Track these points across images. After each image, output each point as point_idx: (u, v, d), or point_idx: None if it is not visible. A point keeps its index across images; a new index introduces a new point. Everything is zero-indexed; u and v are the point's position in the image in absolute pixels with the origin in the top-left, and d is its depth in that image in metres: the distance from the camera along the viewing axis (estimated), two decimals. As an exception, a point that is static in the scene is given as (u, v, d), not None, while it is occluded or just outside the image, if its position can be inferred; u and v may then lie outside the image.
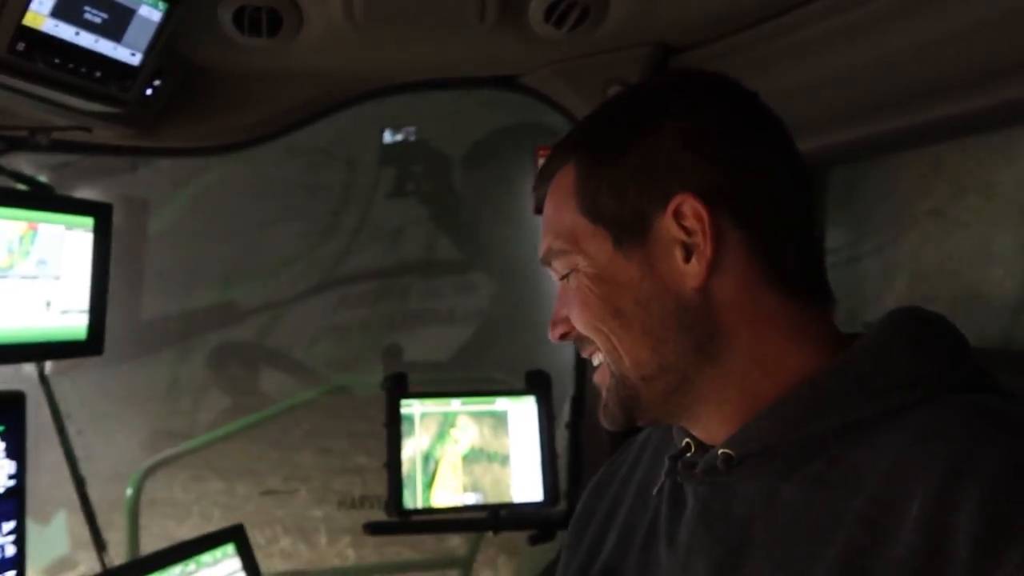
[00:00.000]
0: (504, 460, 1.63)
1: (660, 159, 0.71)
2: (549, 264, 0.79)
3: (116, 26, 1.10)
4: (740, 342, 0.70)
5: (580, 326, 0.75)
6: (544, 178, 0.80)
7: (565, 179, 0.76)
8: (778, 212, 0.72)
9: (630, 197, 0.72)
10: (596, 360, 0.77)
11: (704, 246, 0.69)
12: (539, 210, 1.86)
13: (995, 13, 1.04)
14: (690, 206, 0.69)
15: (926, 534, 0.56)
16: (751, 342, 0.70)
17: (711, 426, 0.74)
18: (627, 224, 0.72)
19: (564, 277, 0.77)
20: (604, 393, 0.77)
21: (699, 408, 0.73)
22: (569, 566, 0.89)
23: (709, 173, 0.70)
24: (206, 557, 1.36)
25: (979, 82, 1.10)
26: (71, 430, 1.70)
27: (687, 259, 0.70)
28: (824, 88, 1.27)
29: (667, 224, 0.70)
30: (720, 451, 0.71)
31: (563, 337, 0.79)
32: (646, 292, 0.71)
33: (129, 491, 2.10)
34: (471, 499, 1.60)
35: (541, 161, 1.73)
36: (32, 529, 1.33)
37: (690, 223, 0.70)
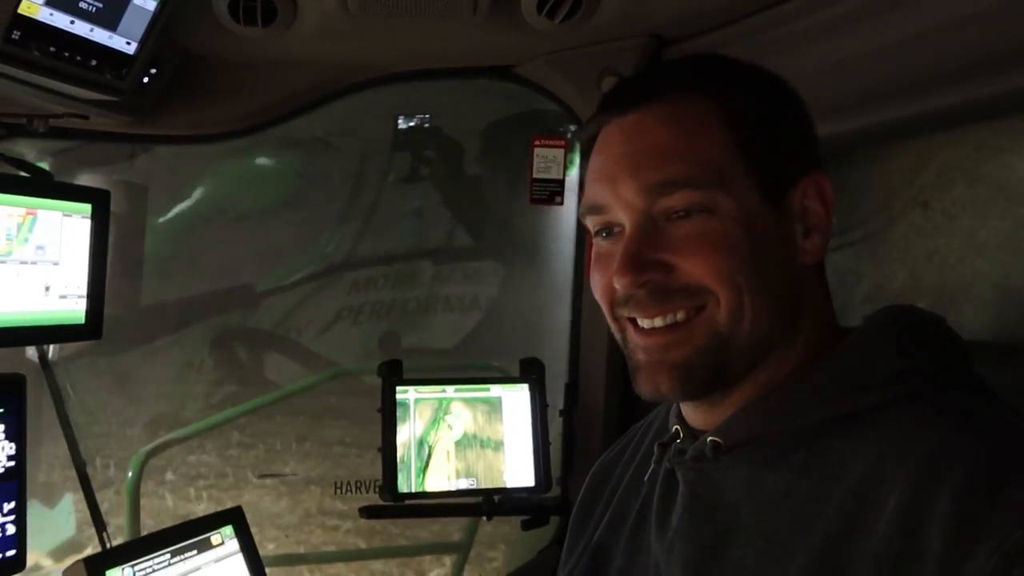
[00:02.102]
0: (497, 446, 1.65)
1: (796, 132, 0.73)
2: (666, 194, 0.68)
3: (111, 15, 1.11)
4: (805, 325, 0.72)
5: (710, 274, 0.67)
6: (651, 95, 0.71)
7: (703, 110, 0.69)
8: None
9: (778, 157, 0.71)
10: (663, 320, 0.70)
11: (827, 227, 0.71)
12: (536, 200, 1.81)
13: (981, 7, 1.05)
14: (819, 186, 0.71)
15: (902, 526, 0.58)
16: (811, 328, 0.72)
17: (729, 410, 0.73)
18: (773, 180, 0.70)
19: (675, 212, 0.68)
20: (683, 354, 0.69)
21: (743, 384, 0.72)
22: (572, 551, 0.90)
23: (820, 159, 0.73)
24: (205, 538, 1.38)
25: (967, 75, 1.11)
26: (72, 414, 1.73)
27: (806, 235, 0.71)
28: (814, 80, 1.27)
29: (796, 197, 0.71)
30: (709, 439, 0.72)
31: (644, 284, 0.69)
32: (779, 255, 0.70)
33: (130, 474, 2.13)
34: (464, 484, 1.62)
35: (538, 152, 1.74)
36: (39, 512, 1.35)
37: (812, 203, 0.71)
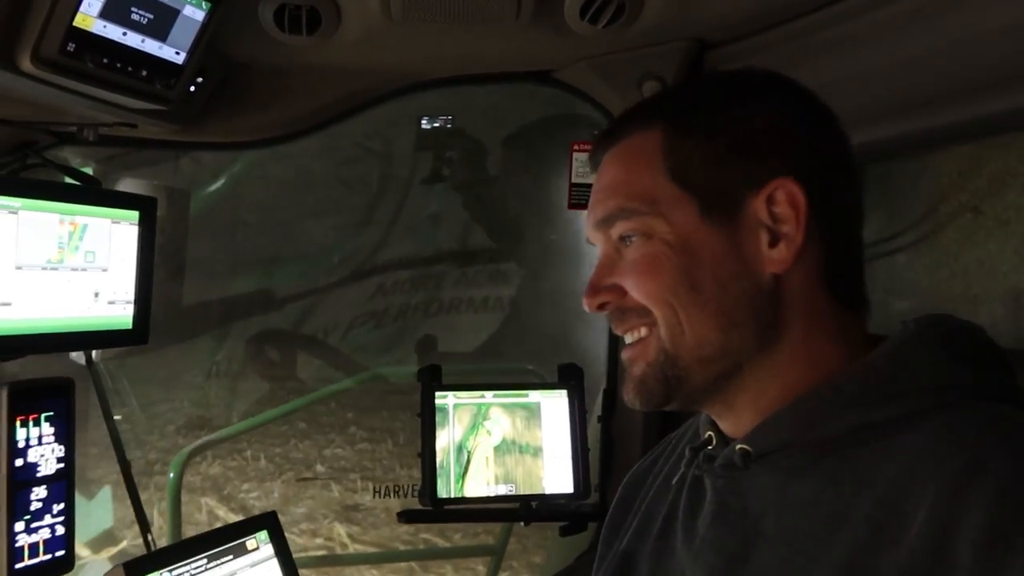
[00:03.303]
0: (536, 452, 1.65)
1: (759, 139, 0.71)
2: (610, 226, 0.75)
3: (162, 26, 1.13)
4: (792, 336, 0.71)
5: (643, 295, 0.72)
6: (613, 137, 0.77)
7: (646, 142, 0.74)
8: (845, 213, 0.73)
9: (725, 171, 0.71)
10: (632, 336, 0.75)
11: (795, 234, 0.69)
12: (574, 206, 1.84)
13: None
14: (787, 192, 0.70)
15: (932, 539, 0.57)
16: (802, 338, 0.71)
17: (743, 417, 0.74)
18: (718, 197, 0.71)
19: (624, 239, 0.74)
20: (640, 369, 0.74)
21: (737, 397, 0.73)
22: (603, 559, 0.90)
23: (805, 162, 0.71)
24: (240, 543, 1.39)
25: (1019, 79, 1.08)
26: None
27: (772, 244, 0.70)
28: (860, 84, 1.25)
29: (759, 206, 0.70)
30: (738, 446, 0.72)
31: (601, 307, 0.75)
32: (727, 270, 0.70)
33: (171, 475, 2.16)
34: (503, 490, 1.62)
35: (577, 157, 1.73)
36: (78, 503, 1.37)
37: (781, 209, 0.70)
